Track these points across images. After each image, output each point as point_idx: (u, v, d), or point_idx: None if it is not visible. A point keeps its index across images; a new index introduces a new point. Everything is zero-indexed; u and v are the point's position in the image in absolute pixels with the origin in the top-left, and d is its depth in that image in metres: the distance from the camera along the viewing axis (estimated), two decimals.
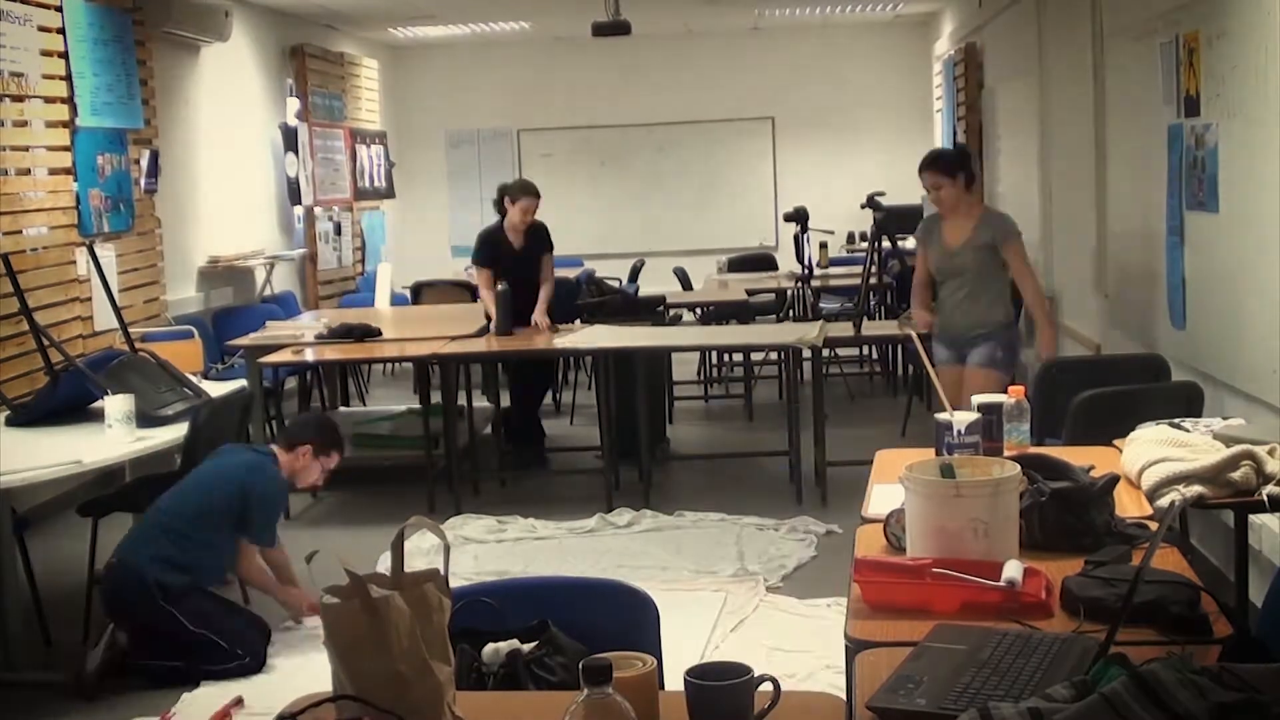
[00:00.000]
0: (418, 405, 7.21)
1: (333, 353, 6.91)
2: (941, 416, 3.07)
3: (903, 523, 2.60)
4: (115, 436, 4.52)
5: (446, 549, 1.88)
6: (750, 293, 9.07)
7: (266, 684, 4.29)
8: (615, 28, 8.60)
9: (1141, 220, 5.69)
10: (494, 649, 2.28)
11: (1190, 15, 4.89)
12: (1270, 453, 3.08)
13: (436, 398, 7.03)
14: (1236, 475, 3.02)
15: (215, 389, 5.39)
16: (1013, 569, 2.30)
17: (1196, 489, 2.97)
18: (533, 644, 2.30)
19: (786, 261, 10.16)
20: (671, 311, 8.56)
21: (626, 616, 2.44)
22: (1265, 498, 2.99)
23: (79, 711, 4.21)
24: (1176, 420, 3.60)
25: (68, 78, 6.69)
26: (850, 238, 11.70)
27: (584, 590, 2.63)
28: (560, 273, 10.69)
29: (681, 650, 4.25)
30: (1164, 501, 2.96)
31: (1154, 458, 3.08)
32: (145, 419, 4.70)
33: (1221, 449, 3.14)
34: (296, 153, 9.96)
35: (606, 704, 1.56)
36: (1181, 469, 3.02)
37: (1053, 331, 5.79)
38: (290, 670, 4.41)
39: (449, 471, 6.49)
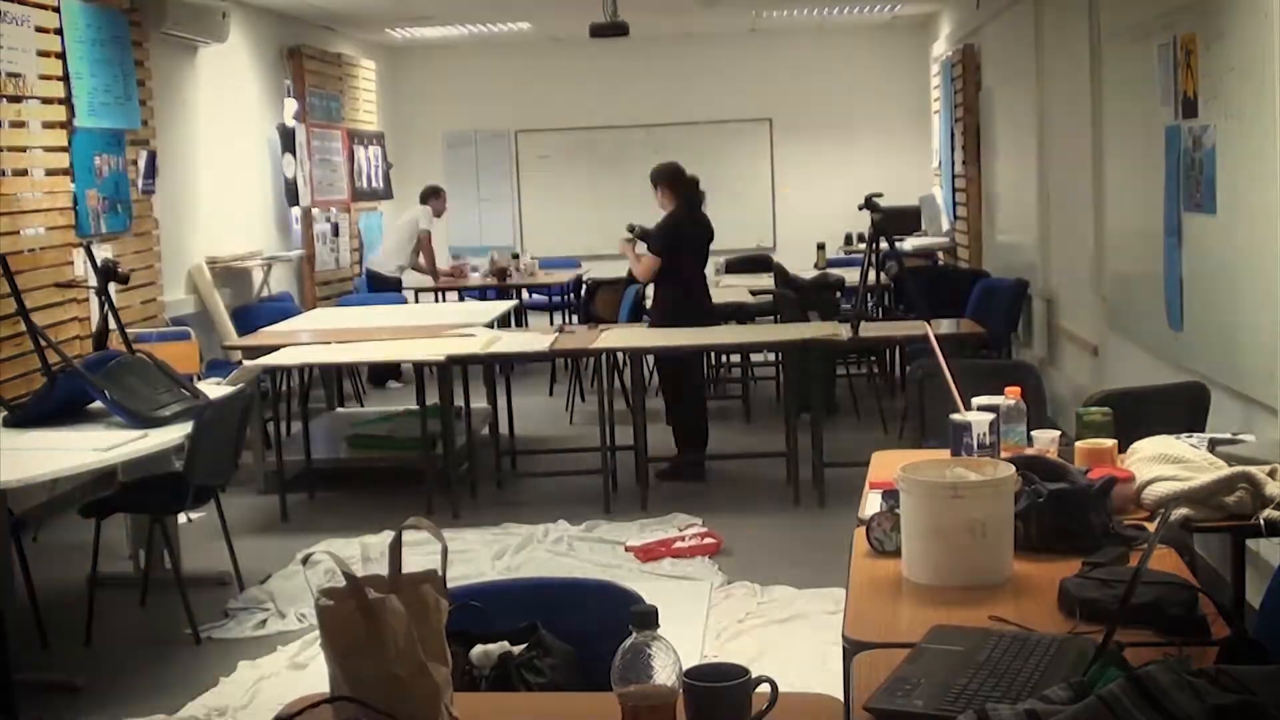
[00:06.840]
0: (415, 406, 7.19)
1: (335, 354, 6.89)
2: (958, 417, 3.05)
3: (884, 526, 2.60)
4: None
5: (444, 551, 1.88)
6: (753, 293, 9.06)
7: (265, 685, 4.30)
8: (613, 29, 8.59)
9: (1139, 221, 5.68)
10: (483, 651, 2.27)
11: (1188, 17, 4.89)
12: (1271, 474, 2.94)
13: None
14: (1231, 499, 2.88)
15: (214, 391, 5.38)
16: None
17: (1183, 511, 2.85)
18: (522, 646, 2.29)
19: (795, 262, 10.12)
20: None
21: (616, 617, 2.42)
22: (1262, 522, 2.84)
23: (78, 712, 4.20)
24: (1185, 434, 3.46)
25: (65, 78, 6.69)
26: (848, 239, 11.69)
27: (573, 591, 2.61)
28: (557, 274, 10.79)
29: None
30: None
31: (1152, 476, 2.97)
32: (142, 420, 4.69)
33: (1221, 467, 3.02)
34: (294, 154, 9.95)
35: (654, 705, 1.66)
36: (1179, 489, 2.89)
37: None
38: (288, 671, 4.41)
39: (446, 473, 6.48)
